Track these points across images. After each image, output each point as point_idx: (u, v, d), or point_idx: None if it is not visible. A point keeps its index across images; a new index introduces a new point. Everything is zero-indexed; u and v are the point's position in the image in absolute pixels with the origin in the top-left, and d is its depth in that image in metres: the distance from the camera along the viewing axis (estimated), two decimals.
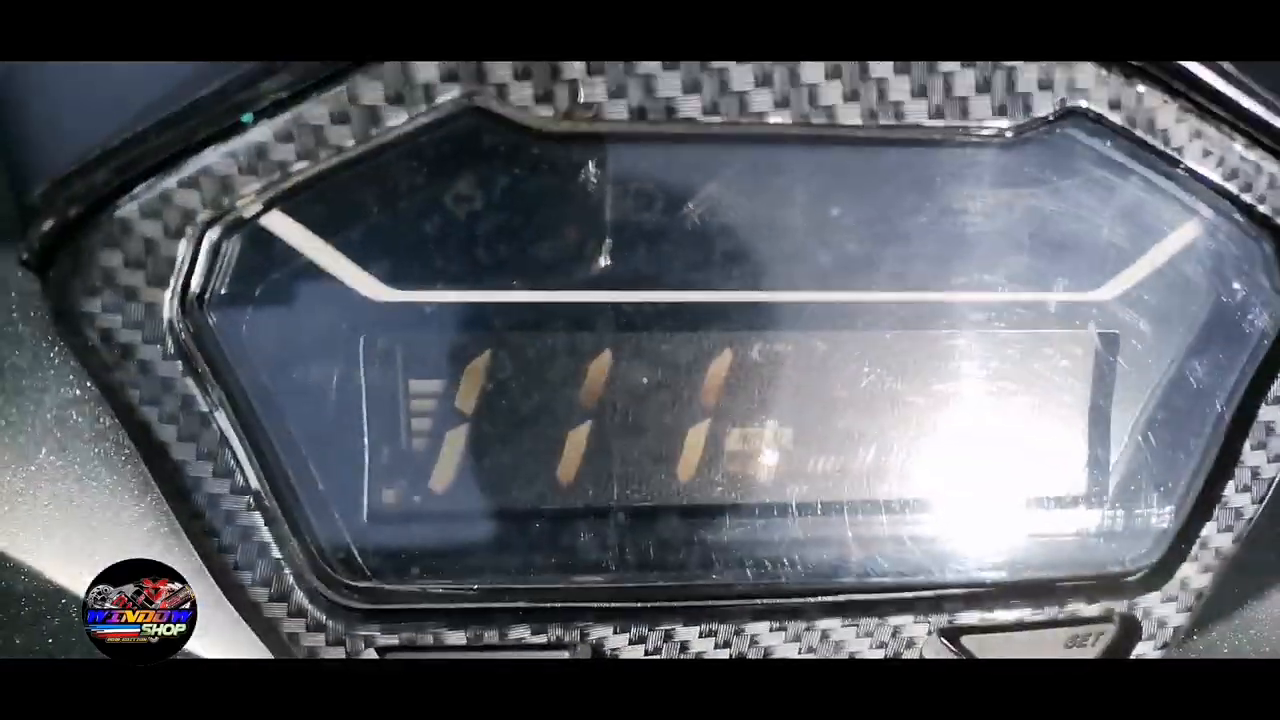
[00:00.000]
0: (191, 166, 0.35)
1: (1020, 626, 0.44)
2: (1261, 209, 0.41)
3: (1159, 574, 0.45)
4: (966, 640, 0.44)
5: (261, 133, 0.35)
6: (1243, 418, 0.44)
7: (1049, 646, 0.44)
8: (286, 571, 0.39)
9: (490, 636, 0.41)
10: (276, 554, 0.39)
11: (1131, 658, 0.45)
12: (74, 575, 0.37)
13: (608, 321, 0.40)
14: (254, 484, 0.38)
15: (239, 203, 0.36)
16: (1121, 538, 0.45)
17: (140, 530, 0.38)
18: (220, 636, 0.40)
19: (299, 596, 0.39)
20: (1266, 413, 0.43)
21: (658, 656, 0.42)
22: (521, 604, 0.41)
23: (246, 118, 0.35)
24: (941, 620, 0.43)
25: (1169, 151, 0.39)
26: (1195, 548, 0.44)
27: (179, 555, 0.39)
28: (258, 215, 0.37)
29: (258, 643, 0.40)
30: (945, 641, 0.44)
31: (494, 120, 0.36)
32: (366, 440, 0.40)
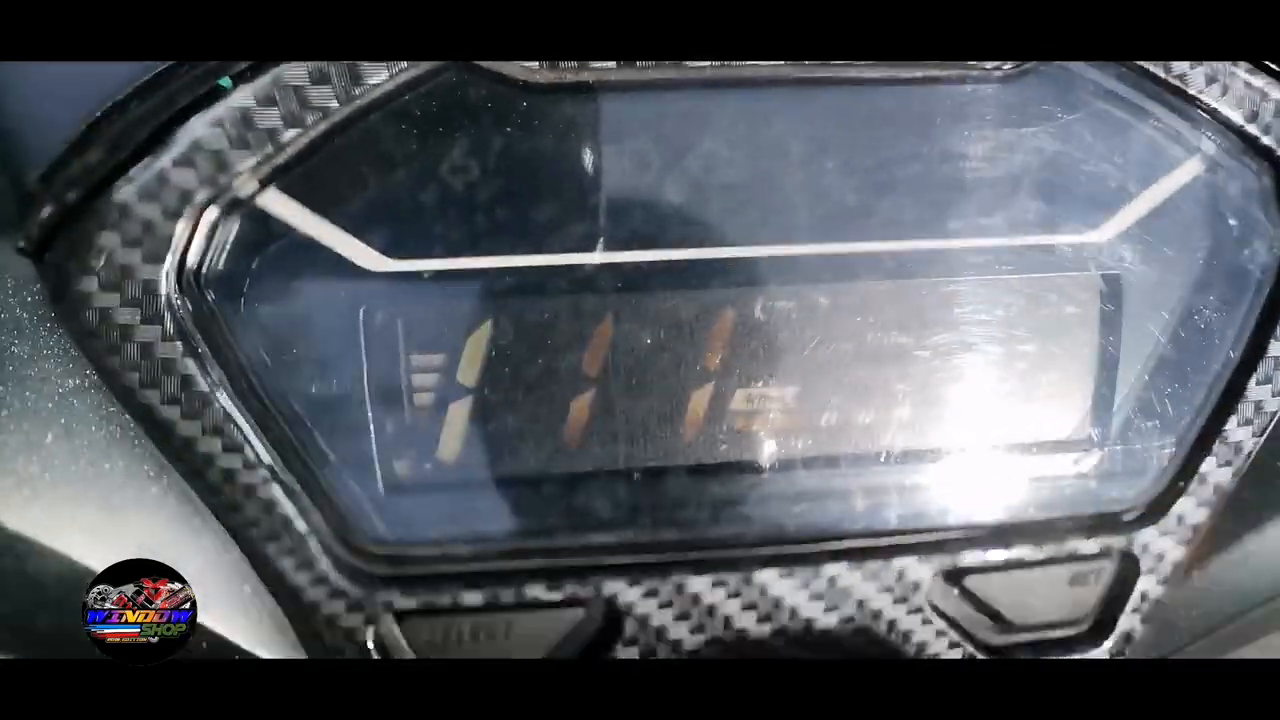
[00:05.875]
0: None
1: (1021, 565, 0.44)
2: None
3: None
4: (970, 581, 0.44)
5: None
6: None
7: (1051, 586, 0.45)
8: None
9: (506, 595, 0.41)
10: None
11: (1131, 657, 0.45)
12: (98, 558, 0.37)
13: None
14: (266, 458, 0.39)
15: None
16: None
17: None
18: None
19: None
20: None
21: (670, 609, 0.42)
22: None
23: (225, 82, 0.35)
24: (946, 562, 0.43)
25: None
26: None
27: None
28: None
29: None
30: (949, 585, 0.44)
31: None
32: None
